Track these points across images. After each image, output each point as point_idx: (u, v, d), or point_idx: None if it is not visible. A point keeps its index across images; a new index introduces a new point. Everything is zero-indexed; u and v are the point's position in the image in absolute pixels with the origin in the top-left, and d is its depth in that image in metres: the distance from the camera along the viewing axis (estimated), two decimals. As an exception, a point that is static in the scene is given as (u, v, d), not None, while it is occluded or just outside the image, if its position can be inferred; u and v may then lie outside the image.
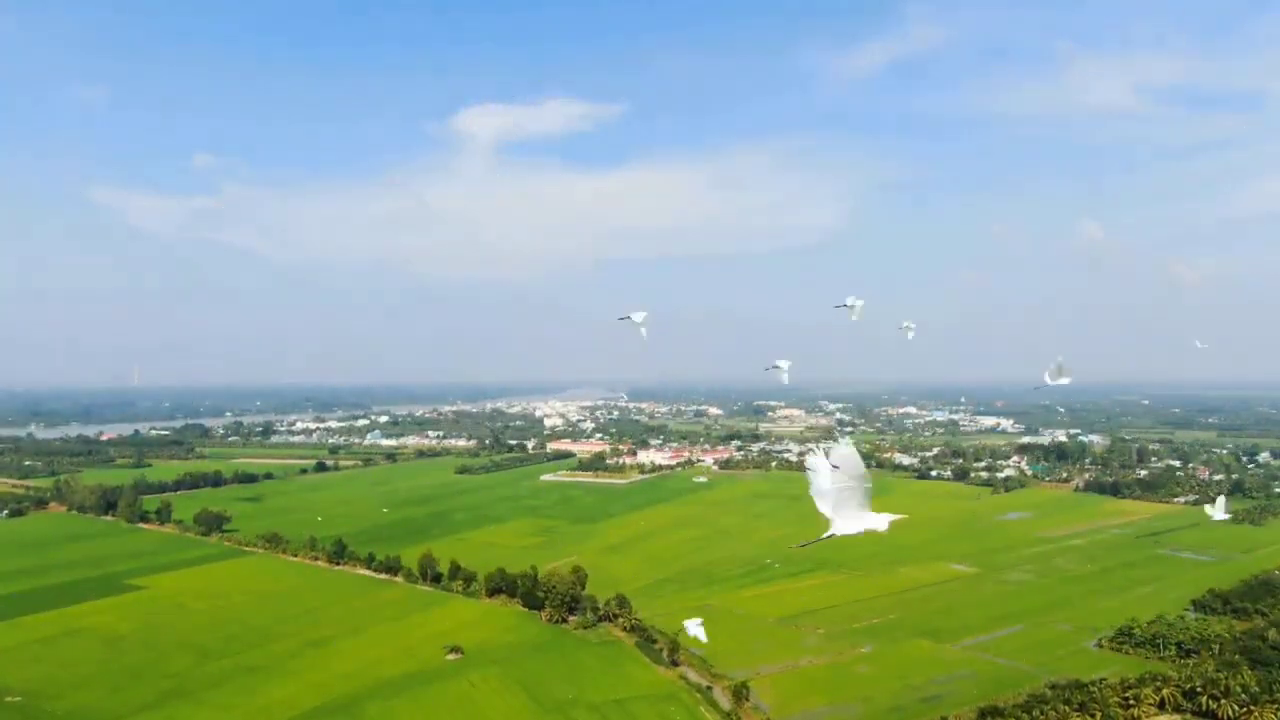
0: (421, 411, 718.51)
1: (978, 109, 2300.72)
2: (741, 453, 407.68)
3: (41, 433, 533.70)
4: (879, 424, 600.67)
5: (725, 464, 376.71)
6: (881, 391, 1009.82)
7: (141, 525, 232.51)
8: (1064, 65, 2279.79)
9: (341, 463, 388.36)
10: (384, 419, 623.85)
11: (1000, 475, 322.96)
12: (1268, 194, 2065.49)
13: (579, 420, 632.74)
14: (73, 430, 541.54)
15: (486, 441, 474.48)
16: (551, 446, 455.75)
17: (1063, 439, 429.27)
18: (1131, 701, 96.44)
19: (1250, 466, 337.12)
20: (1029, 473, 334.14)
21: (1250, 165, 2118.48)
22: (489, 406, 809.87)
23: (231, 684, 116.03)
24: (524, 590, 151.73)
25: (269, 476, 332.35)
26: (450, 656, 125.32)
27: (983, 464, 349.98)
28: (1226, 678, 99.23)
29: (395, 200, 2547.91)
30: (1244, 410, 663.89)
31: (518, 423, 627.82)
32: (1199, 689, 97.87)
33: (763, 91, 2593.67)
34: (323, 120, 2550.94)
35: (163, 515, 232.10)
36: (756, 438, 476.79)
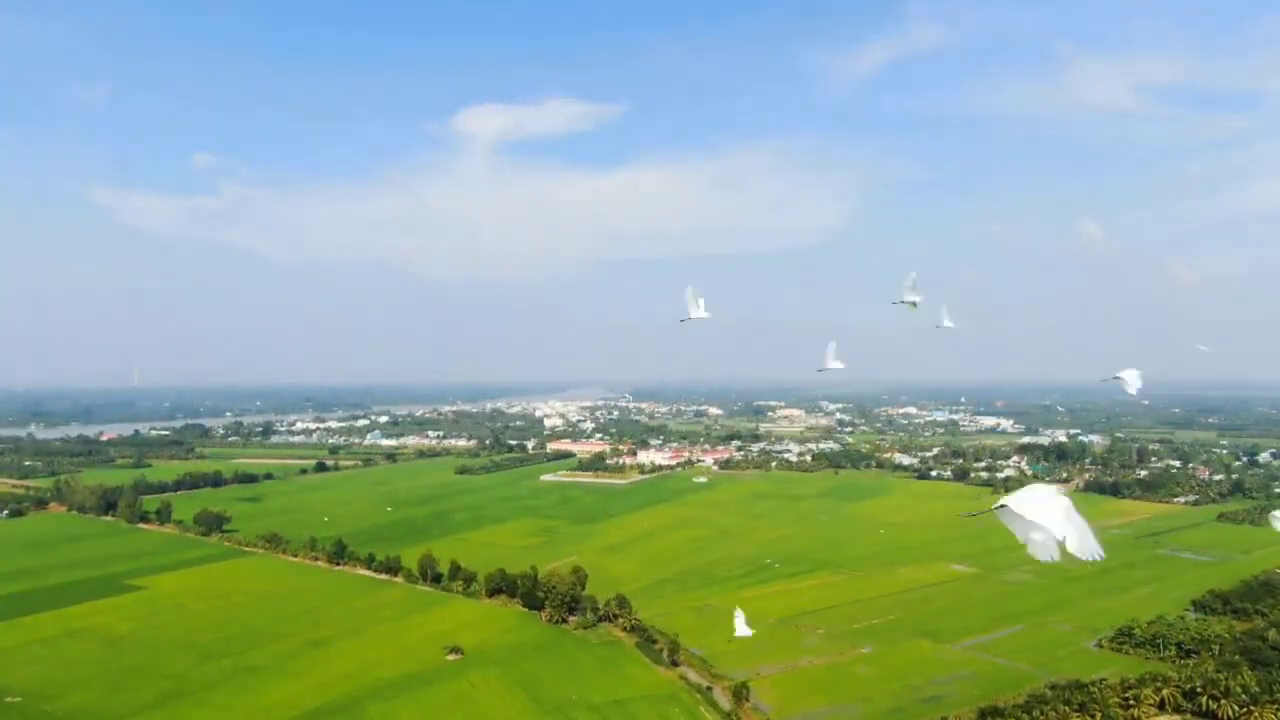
0: (421, 411, 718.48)
1: (978, 109, 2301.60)
2: (741, 453, 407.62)
3: (41, 433, 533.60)
4: (879, 424, 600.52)
5: (725, 464, 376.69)
6: (881, 391, 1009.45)
7: (141, 525, 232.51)
8: (1064, 65, 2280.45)
9: (341, 463, 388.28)
10: (384, 419, 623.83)
11: (1000, 475, 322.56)
12: (1268, 194, 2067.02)
13: (579, 420, 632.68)
14: (73, 430, 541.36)
15: (486, 441, 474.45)
16: (551, 446, 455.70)
17: (1063, 439, 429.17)
18: (1131, 702, 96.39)
19: (1250, 467, 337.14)
20: (1029, 473, 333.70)
21: (1250, 165, 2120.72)
22: (489, 406, 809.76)
23: (231, 684, 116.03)
24: (524, 590, 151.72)
25: (269, 476, 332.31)
26: (450, 657, 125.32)
27: (983, 464, 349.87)
28: (1226, 678, 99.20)
29: (395, 200, 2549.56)
30: (1244, 410, 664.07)
31: (518, 423, 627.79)
32: (1199, 689, 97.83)
33: (763, 91, 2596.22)
34: (323, 120, 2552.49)
35: (163, 515, 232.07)
36: (756, 438, 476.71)
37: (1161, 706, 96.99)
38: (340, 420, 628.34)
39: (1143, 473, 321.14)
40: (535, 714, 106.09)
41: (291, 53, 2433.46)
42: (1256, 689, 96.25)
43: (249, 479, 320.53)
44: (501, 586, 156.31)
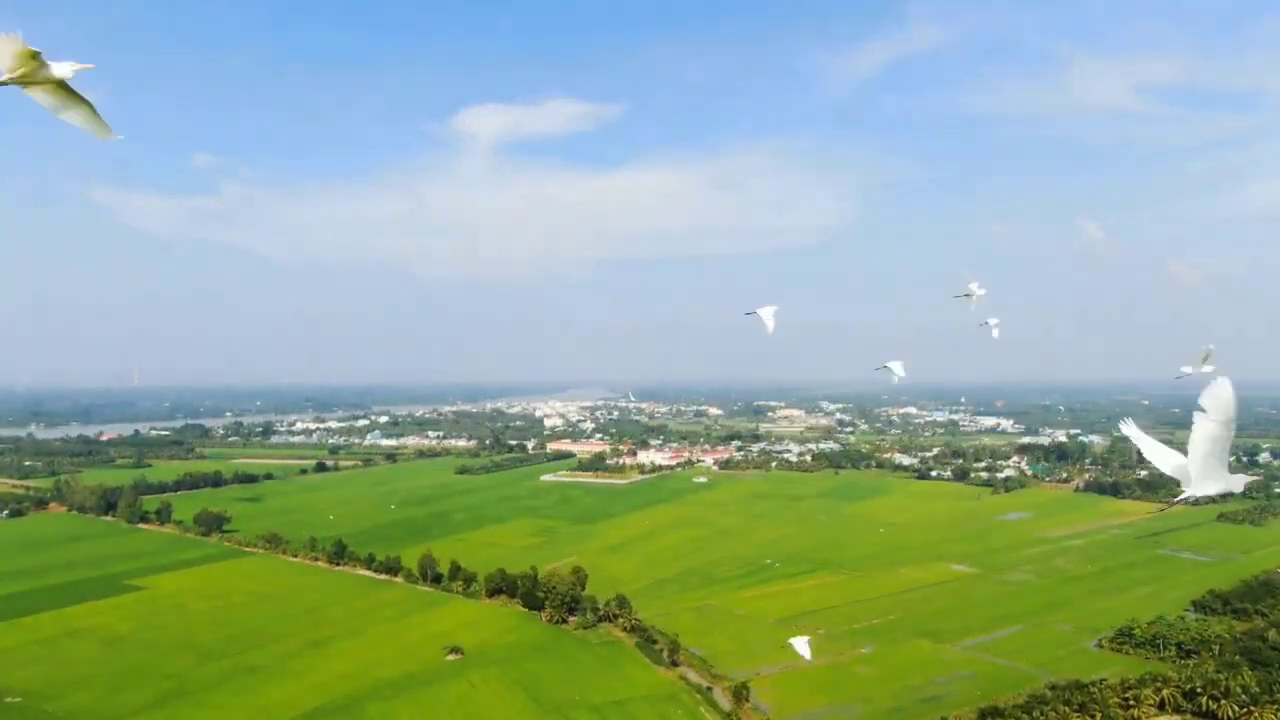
0: (421, 411, 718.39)
1: (978, 109, 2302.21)
2: (741, 453, 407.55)
3: (41, 433, 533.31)
4: (879, 424, 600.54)
5: (725, 464, 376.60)
6: (881, 391, 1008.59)
7: (141, 525, 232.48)
8: (1064, 65, 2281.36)
9: (341, 463, 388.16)
10: (384, 419, 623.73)
11: (1000, 475, 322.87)
12: (1268, 194, 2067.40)
13: (579, 420, 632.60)
14: (73, 430, 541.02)
15: (486, 442, 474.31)
16: (551, 447, 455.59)
17: (1063, 439, 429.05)
18: (1131, 702, 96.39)
19: (1250, 467, 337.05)
20: (1029, 473, 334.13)
21: (1250, 165, 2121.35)
22: (489, 406, 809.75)
23: (231, 684, 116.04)
24: (524, 591, 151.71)
25: (269, 477, 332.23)
26: (450, 657, 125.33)
27: (983, 464, 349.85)
28: (1226, 678, 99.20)
29: (395, 200, 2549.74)
30: (1244, 410, 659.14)
31: (518, 423, 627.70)
32: (1199, 689, 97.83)
33: (763, 91, 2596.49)
34: (323, 120, 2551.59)
35: (163, 515, 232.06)
36: (756, 438, 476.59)
37: (1161, 707, 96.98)
38: (340, 420, 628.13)
39: (1143, 473, 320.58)
40: (535, 714, 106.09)
41: (291, 53, 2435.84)
42: (1256, 689, 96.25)
43: (249, 479, 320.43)
44: (501, 587, 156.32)
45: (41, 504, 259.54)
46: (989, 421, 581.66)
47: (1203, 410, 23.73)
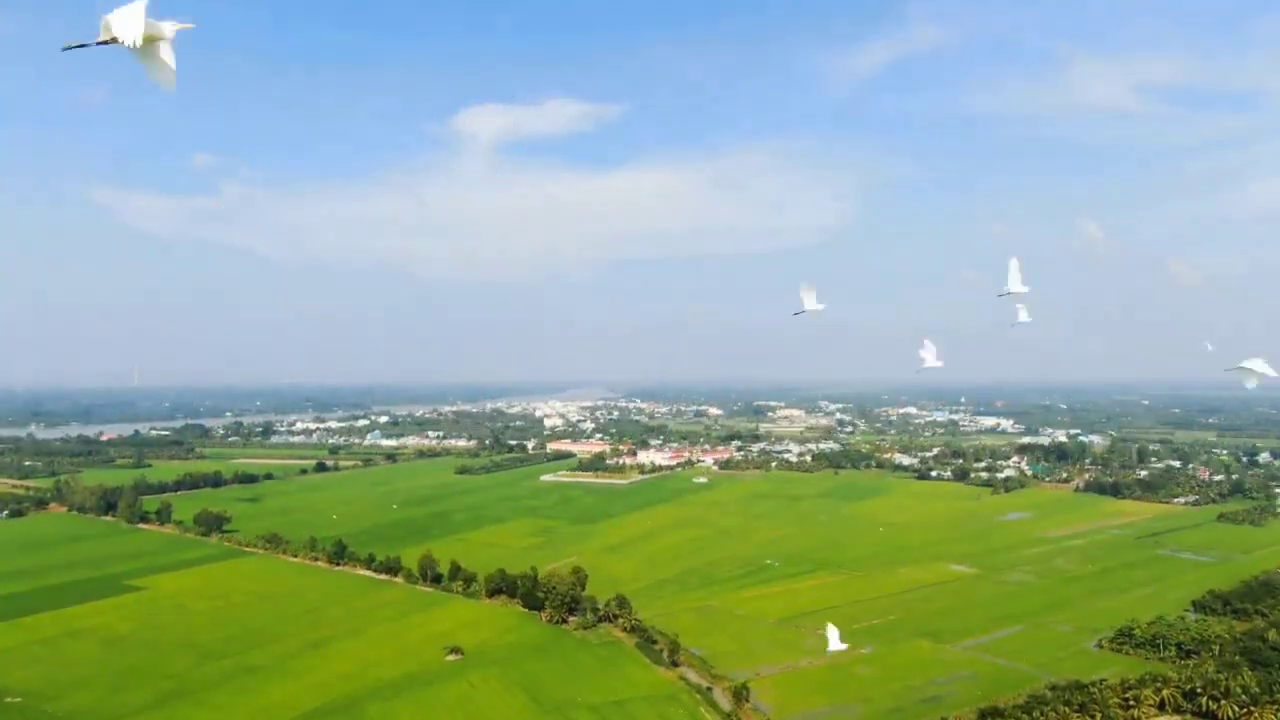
0: (421, 411, 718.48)
1: (978, 109, 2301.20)
2: (741, 453, 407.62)
3: (41, 433, 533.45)
4: (879, 424, 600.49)
5: (725, 464, 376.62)
6: (881, 391, 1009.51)
7: (141, 526, 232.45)
8: (1064, 65, 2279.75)
9: (341, 463, 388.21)
10: (384, 419, 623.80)
11: (1000, 475, 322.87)
12: (1268, 194, 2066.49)
13: (579, 420, 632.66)
14: (73, 430, 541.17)
15: (486, 442, 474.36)
16: (551, 447, 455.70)
17: (1063, 439, 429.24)
18: (1131, 702, 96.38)
19: (1250, 467, 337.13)
20: (1029, 473, 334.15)
21: (1250, 165, 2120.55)
22: (489, 406, 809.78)
23: (231, 684, 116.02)
24: (524, 591, 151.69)
25: (269, 477, 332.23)
26: (450, 657, 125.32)
27: (983, 464, 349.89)
28: (1226, 678, 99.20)
29: (395, 200, 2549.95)
30: (1244, 410, 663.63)
31: (518, 423, 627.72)
32: (1199, 690, 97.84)
33: (763, 91, 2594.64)
34: (323, 120, 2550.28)
35: (163, 516, 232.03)
36: (756, 438, 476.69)
37: (1161, 707, 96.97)
38: (340, 420, 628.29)
39: (1143, 473, 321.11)
40: (535, 714, 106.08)
41: (291, 52, 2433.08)
42: (1256, 689, 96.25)
43: (249, 479, 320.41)
44: (502, 587, 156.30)
45: (41, 504, 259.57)
46: (989, 421, 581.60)
47: None
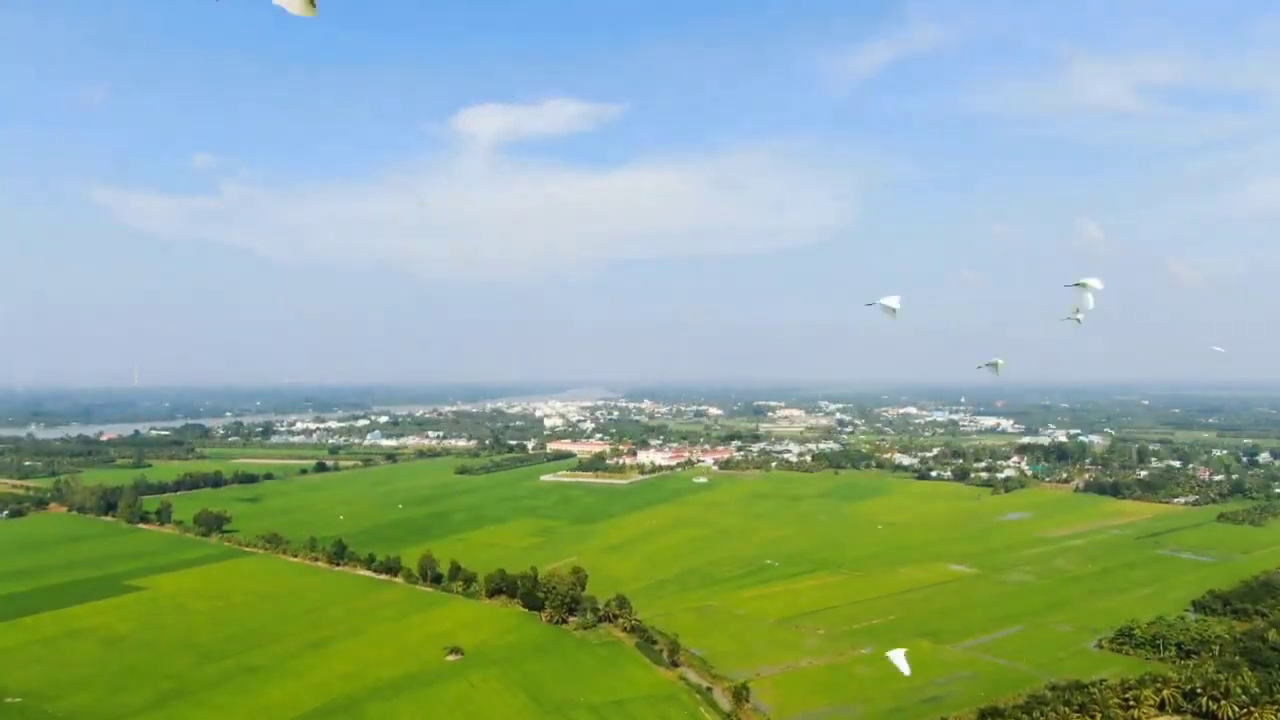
0: (421, 411, 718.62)
1: (978, 109, 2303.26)
2: (741, 453, 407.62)
3: (41, 433, 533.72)
4: (879, 424, 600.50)
5: (725, 464, 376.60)
6: (881, 391, 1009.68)
7: (141, 526, 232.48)
8: (1064, 65, 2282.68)
9: (341, 463, 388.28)
10: (384, 419, 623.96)
11: (1000, 475, 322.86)
12: (1268, 194, 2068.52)
13: (579, 420, 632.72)
14: (73, 430, 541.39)
15: (486, 442, 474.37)
16: (551, 447, 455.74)
17: (1063, 439, 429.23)
18: (1131, 702, 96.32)
19: (1250, 467, 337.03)
20: (1029, 473, 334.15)
21: (1250, 165, 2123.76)
22: (489, 407, 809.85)
23: (231, 685, 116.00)
24: (524, 591, 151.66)
25: (269, 477, 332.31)
26: (450, 657, 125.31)
27: (983, 464, 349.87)
28: (1226, 679, 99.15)
29: (395, 200, 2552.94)
30: (1244, 410, 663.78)
31: (518, 423, 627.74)
32: (1199, 690, 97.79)
33: (763, 91, 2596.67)
34: (323, 120, 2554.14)
35: (163, 516, 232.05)
36: (756, 438, 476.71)
37: (1162, 707, 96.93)
38: (340, 420, 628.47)
39: (1143, 473, 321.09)
40: (535, 714, 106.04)
41: (291, 52, 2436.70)
42: (1256, 690, 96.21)
43: (249, 479, 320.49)
44: (502, 587, 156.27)
45: (41, 504, 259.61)
46: (989, 421, 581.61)
47: None
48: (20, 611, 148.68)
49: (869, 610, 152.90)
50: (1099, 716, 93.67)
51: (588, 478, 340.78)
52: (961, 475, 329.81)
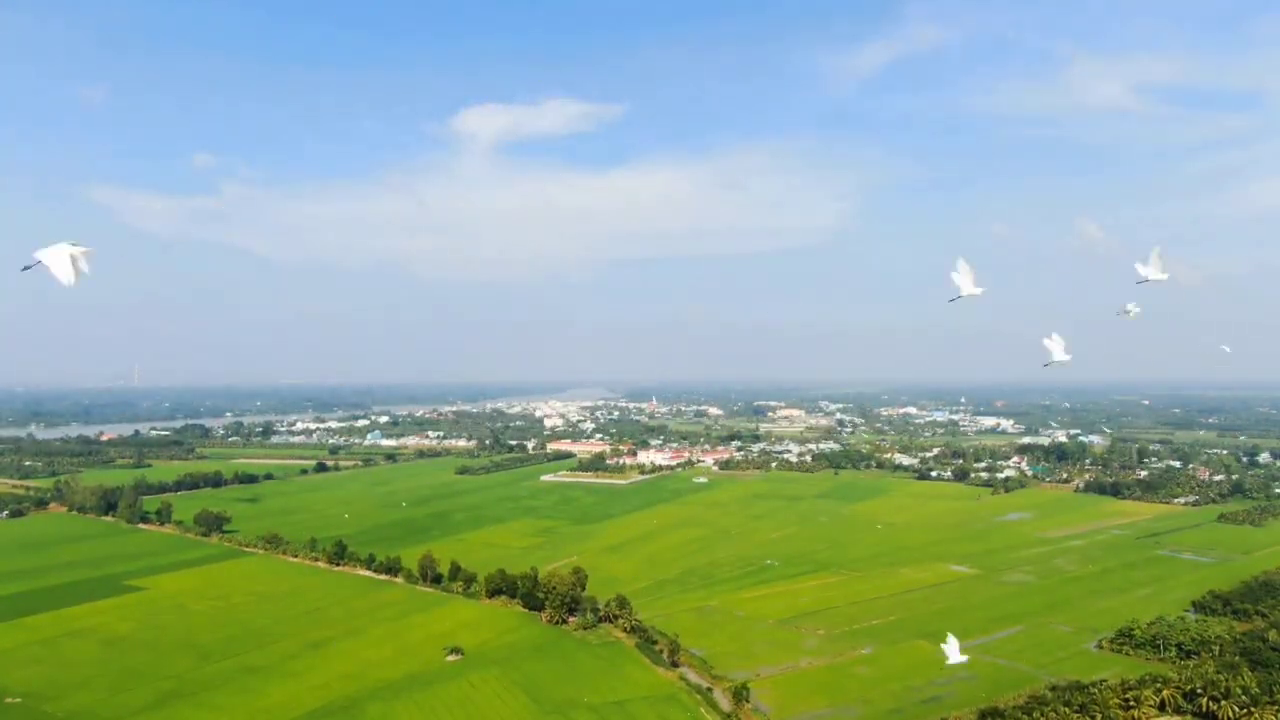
0: (421, 412, 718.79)
1: (977, 109, 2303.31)
2: (741, 453, 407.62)
3: (41, 433, 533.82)
4: (879, 424, 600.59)
5: (725, 464, 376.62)
6: (881, 391, 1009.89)
7: (141, 526, 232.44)
8: (1064, 65, 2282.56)
9: (341, 463, 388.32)
10: (384, 419, 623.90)
11: (1000, 476, 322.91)
12: (1268, 194, 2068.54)
13: (579, 420, 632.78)
14: (73, 430, 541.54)
15: (486, 442, 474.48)
16: (551, 447, 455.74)
17: (1063, 439, 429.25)
18: (1132, 703, 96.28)
19: (1250, 467, 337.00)
20: (1029, 473, 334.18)
21: (1250, 165, 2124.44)
22: (489, 407, 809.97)
23: (232, 685, 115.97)
24: (524, 591, 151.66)
25: (269, 477, 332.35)
26: (450, 658, 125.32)
27: (983, 464, 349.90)
28: (1227, 679, 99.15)
29: (395, 200, 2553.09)
30: (1244, 410, 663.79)
31: (518, 423, 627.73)
32: (1199, 690, 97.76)
33: (763, 91, 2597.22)
34: (323, 120, 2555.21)
35: (163, 516, 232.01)
36: (756, 438, 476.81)
37: (1162, 708, 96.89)
38: (340, 420, 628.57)
39: (1143, 473, 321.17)
40: (535, 715, 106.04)
41: (292, 52, 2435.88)
42: (1257, 690, 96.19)
43: (249, 479, 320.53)
44: (502, 587, 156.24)
45: (41, 504, 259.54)
46: (989, 421, 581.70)
47: None
48: (20, 611, 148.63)
49: (869, 611, 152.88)
50: (1099, 717, 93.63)
51: (588, 478, 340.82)
52: (961, 475, 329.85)
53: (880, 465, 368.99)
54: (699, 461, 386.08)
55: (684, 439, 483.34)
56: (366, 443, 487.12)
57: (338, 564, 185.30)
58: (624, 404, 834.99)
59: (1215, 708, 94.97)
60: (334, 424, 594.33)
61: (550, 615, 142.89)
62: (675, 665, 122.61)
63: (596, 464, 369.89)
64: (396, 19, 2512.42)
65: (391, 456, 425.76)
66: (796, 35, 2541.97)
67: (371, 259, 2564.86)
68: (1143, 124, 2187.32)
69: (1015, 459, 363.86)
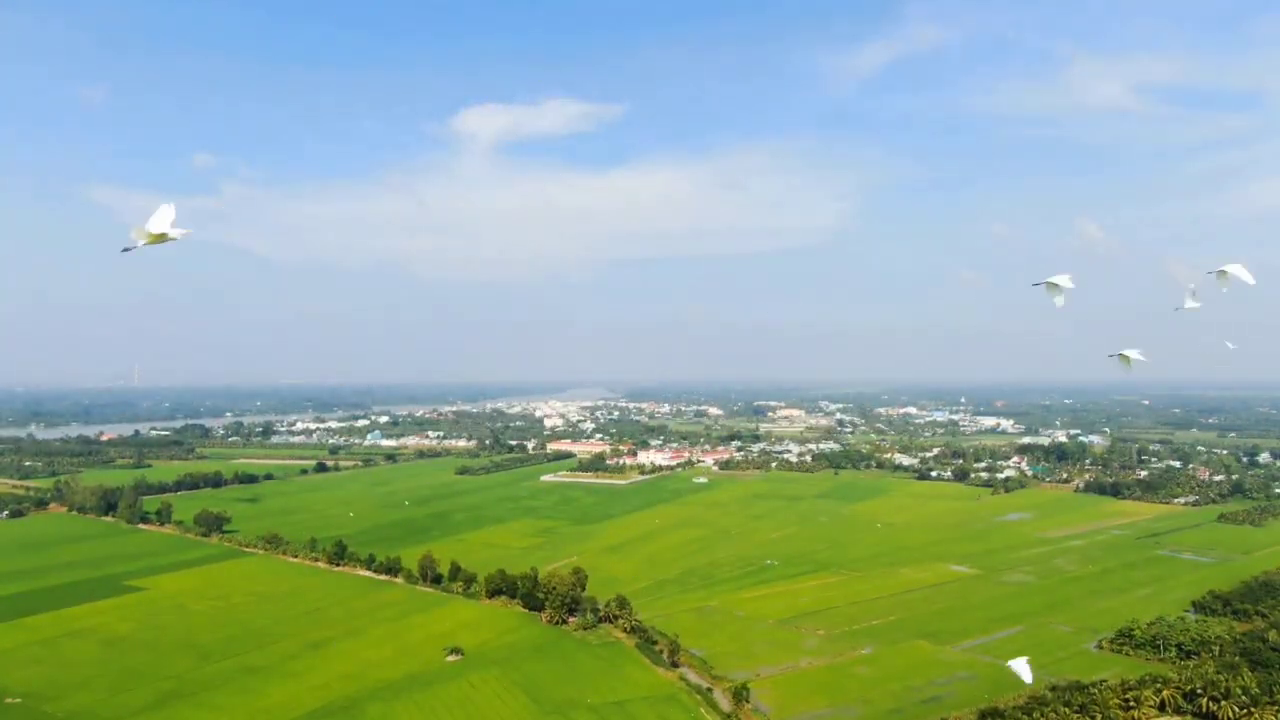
0: (421, 412, 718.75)
1: (977, 109, 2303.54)
2: (741, 453, 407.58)
3: (41, 433, 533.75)
4: (879, 424, 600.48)
5: (725, 464, 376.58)
6: (881, 391, 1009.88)
7: (142, 526, 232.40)
8: (1064, 65, 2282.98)
9: (341, 463, 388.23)
10: (384, 419, 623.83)
11: (1000, 476, 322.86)
12: (1268, 194, 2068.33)
13: (579, 420, 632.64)
14: (73, 430, 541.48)
15: (486, 442, 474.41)
16: (551, 447, 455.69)
17: (1063, 439, 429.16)
18: (1132, 703, 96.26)
19: (1250, 467, 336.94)
20: (1029, 473, 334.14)
21: (1250, 165, 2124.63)
22: (489, 407, 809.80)
23: (232, 685, 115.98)
24: (524, 591, 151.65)
25: (269, 477, 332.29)
26: (450, 658, 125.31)
27: (983, 464, 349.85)
28: (1227, 679, 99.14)
29: (395, 201, 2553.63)
30: (1244, 410, 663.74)
31: (518, 423, 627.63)
32: (1199, 691, 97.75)
33: (763, 91, 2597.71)
34: (323, 120, 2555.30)
35: (163, 516, 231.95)
36: (756, 438, 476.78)
37: (1162, 708, 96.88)
38: (340, 420, 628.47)
39: (1143, 473, 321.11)
40: (535, 715, 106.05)
41: (292, 52, 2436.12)
42: (1257, 690, 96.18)
43: (249, 479, 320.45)
44: (502, 587, 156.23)
45: (41, 504, 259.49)
46: (989, 421, 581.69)
47: None
48: (20, 612, 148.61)
49: (869, 611, 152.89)
50: (1099, 717, 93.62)
51: (588, 478, 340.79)
52: (961, 475, 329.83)
53: (880, 465, 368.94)
54: (699, 462, 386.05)
55: (684, 439, 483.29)
56: (366, 443, 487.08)
57: (338, 564, 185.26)
58: (624, 404, 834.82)
59: (1215, 708, 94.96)
60: (334, 424, 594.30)
61: (550, 615, 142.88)
62: (675, 665, 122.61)
63: (596, 464, 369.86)
64: (396, 19, 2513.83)
65: (391, 457, 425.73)
66: (796, 35, 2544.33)
67: (371, 259, 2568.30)
68: (1143, 124, 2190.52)
69: (1015, 459, 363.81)
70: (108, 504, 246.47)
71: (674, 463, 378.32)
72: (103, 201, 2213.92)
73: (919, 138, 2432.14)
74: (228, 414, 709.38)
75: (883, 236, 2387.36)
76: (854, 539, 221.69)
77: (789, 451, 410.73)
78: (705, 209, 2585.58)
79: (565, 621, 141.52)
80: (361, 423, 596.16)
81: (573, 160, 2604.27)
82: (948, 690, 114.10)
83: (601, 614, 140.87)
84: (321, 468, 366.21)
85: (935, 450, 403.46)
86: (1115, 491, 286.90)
